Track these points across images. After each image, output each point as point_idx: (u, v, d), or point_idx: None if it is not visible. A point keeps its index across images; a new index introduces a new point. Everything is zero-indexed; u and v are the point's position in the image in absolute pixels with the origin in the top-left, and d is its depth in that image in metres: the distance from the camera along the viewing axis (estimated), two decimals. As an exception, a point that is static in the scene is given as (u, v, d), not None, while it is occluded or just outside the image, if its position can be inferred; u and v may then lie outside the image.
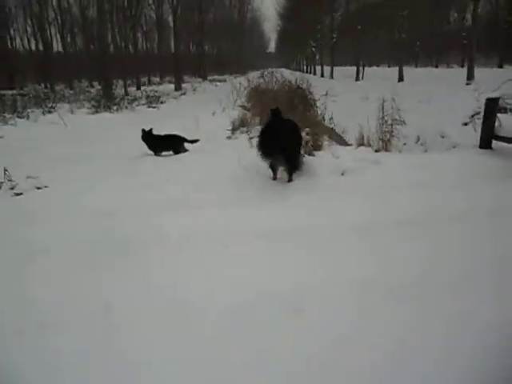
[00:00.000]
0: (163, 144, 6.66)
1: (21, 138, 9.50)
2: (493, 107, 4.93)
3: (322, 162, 5.23)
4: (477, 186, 4.37)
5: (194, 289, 2.62)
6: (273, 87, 10.34)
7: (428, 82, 19.38)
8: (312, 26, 35.78)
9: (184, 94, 22.74)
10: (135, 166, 6.08)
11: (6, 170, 5.21)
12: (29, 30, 40.03)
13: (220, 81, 38.12)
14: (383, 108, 6.21)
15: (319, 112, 8.03)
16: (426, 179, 4.58)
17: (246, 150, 6.43)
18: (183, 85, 27.75)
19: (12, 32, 37.02)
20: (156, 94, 20.65)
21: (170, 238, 3.41)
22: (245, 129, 8.20)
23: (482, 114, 7.82)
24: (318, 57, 42.24)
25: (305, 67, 54.82)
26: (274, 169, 4.89)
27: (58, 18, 35.97)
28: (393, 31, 29.21)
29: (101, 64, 18.59)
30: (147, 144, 6.64)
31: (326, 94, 7.24)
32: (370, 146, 6.44)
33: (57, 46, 38.50)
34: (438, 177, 4.66)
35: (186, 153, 6.66)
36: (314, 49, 39.05)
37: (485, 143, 5.10)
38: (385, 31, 36.75)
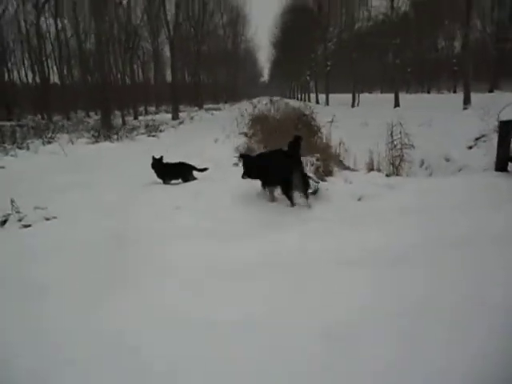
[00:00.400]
0: (172, 172, 6.56)
1: (22, 168, 9.38)
2: (508, 130, 4.92)
3: (336, 187, 5.17)
4: (497, 209, 4.29)
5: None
6: (275, 114, 10.36)
7: (424, 107, 19.64)
8: (306, 55, 36.57)
9: (182, 122, 22.87)
10: (144, 195, 5.97)
11: (13, 202, 5.06)
12: (26, 62, 40.76)
13: (215, 109, 38.55)
14: (392, 133, 6.20)
15: (324, 138, 8.06)
16: (444, 204, 4.49)
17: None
18: (180, 114, 27.96)
19: (10, 65, 37.48)
20: (154, 123, 20.72)
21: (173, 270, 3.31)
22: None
23: (490, 137, 7.85)
24: (312, 84, 43.01)
25: (299, 95, 55.71)
26: (289, 196, 4.83)
27: (56, 51, 36.57)
28: (385, 58, 29.83)
29: (100, 94, 18.71)
30: (156, 172, 6.53)
31: (332, 121, 7.23)
32: (379, 170, 6.42)
33: (53, 77, 39.06)
34: (458, 201, 4.56)
35: (195, 181, 6.58)
36: (308, 77, 39.81)
37: (501, 166, 5.06)
38: (377, 58, 37.66)
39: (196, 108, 39.43)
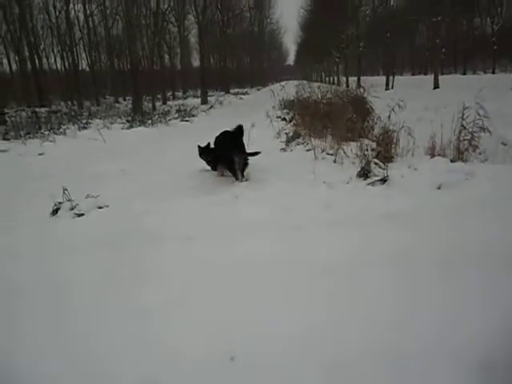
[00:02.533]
0: None
1: (63, 154, 9.30)
2: None
3: (407, 174, 4.74)
4: None
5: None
6: (320, 98, 9.83)
7: (467, 88, 18.56)
8: (336, 35, 35.45)
9: (212, 107, 22.56)
10: (197, 182, 5.69)
11: (65, 190, 4.87)
12: (55, 49, 41.17)
13: (243, 94, 38.03)
14: (463, 115, 5.68)
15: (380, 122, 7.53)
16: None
17: (310, 162, 5.99)
18: (208, 98, 27.64)
19: (40, 52, 37.81)
20: (184, 107, 20.49)
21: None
22: (300, 140, 7.75)
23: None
24: (341, 67, 41.81)
25: (326, 78, 54.42)
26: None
27: (85, 37, 36.64)
28: (420, 38, 28.51)
29: (133, 79, 18.56)
30: (206, 160, 6.18)
31: (399, 107, 6.69)
32: (440, 155, 5.93)
33: (81, 64, 39.25)
34: None
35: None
36: (337, 59, 38.63)
37: None
38: (409, 38, 36.21)
39: (223, 92, 39.00)
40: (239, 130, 5.66)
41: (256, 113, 15.41)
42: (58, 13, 34.48)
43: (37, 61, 32.73)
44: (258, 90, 50.26)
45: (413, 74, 55.69)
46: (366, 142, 6.13)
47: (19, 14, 29.67)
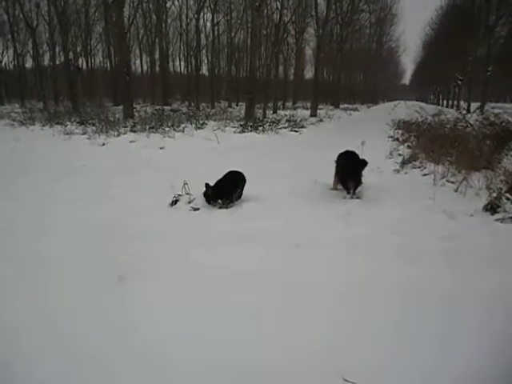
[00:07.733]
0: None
1: (181, 150, 9.96)
2: None
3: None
4: None
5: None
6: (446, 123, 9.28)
7: None
8: (461, 57, 33.22)
9: (321, 120, 22.46)
10: (312, 193, 5.69)
11: (185, 184, 5.20)
12: (181, 54, 44.91)
13: (353, 110, 37.31)
14: None
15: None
16: None
17: (427, 187, 5.64)
18: (318, 111, 27.62)
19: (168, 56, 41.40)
20: (293, 118, 20.71)
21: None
22: (417, 163, 7.35)
23: None
24: (464, 91, 38.97)
25: (444, 101, 51.20)
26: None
27: (209, 44, 39.26)
28: None
29: (249, 86, 19.32)
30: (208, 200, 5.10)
31: None
32: None
33: (202, 68, 42.11)
34: None
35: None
36: (459, 82, 36.10)
37: None
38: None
39: (332, 106, 38.71)
40: (364, 161, 5.57)
41: (366, 130, 15.02)
42: (188, 20, 37.46)
43: (165, 63, 35.82)
44: (369, 107, 48.99)
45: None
46: (495, 173, 5.60)
47: (156, 21, 32.83)
